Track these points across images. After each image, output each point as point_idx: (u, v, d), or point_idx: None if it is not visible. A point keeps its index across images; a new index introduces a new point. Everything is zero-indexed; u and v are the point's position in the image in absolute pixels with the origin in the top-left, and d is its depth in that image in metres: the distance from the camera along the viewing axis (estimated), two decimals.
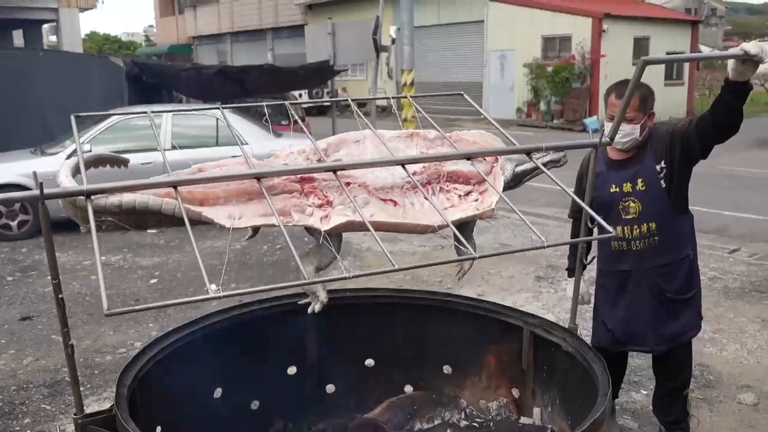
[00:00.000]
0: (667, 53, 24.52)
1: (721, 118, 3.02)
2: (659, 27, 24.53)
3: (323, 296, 2.53)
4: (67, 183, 2.20)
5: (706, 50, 44.16)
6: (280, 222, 2.12)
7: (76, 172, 2.31)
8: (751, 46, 2.58)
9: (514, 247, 8.18)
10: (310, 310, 2.57)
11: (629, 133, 3.23)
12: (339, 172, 2.26)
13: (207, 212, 2.26)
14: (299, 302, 2.53)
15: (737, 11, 77.84)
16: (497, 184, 2.54)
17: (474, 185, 2.59)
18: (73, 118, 2.38)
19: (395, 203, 2.48)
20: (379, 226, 2.38)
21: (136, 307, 1.86)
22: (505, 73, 24.94)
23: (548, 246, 2.16)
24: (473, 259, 2.13)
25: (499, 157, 2.63)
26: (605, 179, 3.38)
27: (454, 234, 2.26)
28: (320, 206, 2.39)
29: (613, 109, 3.23)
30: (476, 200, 2.55)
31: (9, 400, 4.53)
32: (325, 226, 2.34)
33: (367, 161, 2.39)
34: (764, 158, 15.15)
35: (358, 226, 2.35)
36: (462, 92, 2.95)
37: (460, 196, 2.56)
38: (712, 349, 5.14)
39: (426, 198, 2.41)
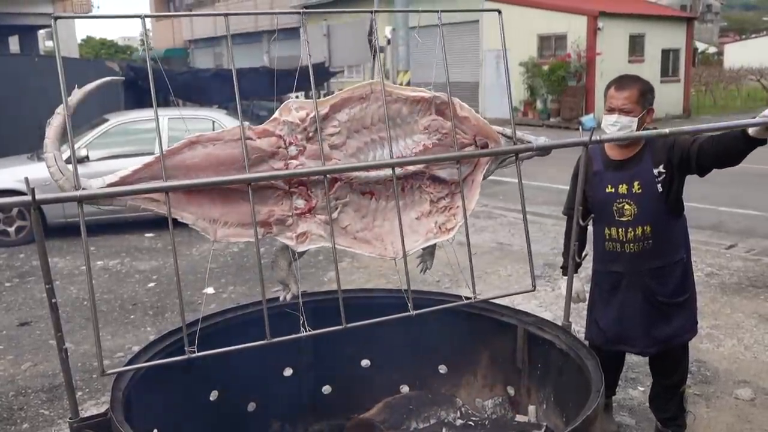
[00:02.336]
0: (663, 50, 24.61)
1: (728, 157, 3.09)
2: (654, 24, 24.55)
3: (294, 289, 2.71)
4: (55, 169, 2.08)
5: (701, 47, 44.20)
6: (258, 238, 2.30)
7: (62, 134, 2.16)
8: None
9: (512, 247, 8.21)
10: (281, 298, 2.73)
11: (626, 125, 3.22)
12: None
13: (194, 218, 2.30)
14: (273, 290, 2.63)
15: (733, 7, 77.89)
16: (473, 193, 2.64)
17: (451, 186, 2.64)
18: (54, 21, 2.12)
19: (372, 195, 2.56)
20: (350, 247, 2.58)
21: (133, 366, 2.05)
22: (501, 73, 24.90)
23: (478, 299, 2.75)
24: (409, 316, 2.55)
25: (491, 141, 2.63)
26: (602, 178, 3.37)
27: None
28: (301, 214, 2.44)
29: (611, 101, 3.27)
30: (446, 207, 2.64)
31: (7, 405, 4.54)
32: (299, 248, 2.49)
33: (359, 165, 2.42)
34: (761, 154, 15.13)
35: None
36: (499, 10, 2.69)
37: (432, 201, 2.62)
38: (709, 345, 5.15)
39: (407, 196, 2.48)
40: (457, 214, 2.65)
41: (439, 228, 2.64)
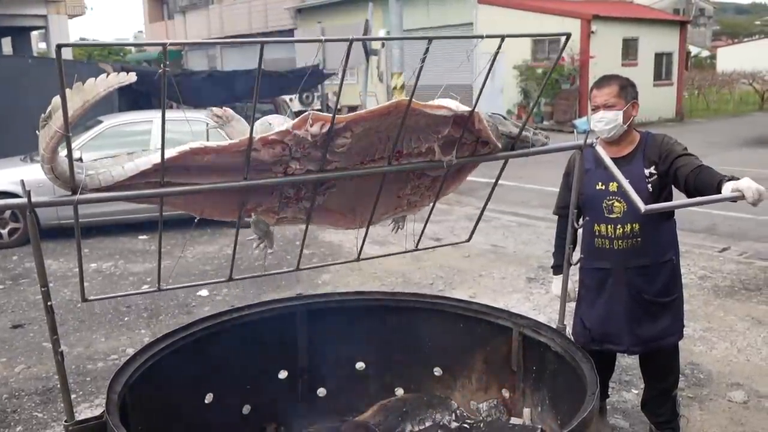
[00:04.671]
0: (656, 54, 24.72)
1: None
2: (648, 27, 24.65)
3: (269, 244, 2.80)
4: (51, 176, 2.02)
5: (694, 50, 44.37)
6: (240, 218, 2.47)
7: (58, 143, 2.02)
8: (750, 196, 2.81)
9: (505, 249, 8.22)
10: (255, 246, 2.77)
11: (612, 119, 3.30)
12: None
13: (185, 203, 2.35)
14: (248, 238, 2.69)
15: (726, 11, 78.32)
16: (456, 183, 2.82)
17: (433, 177, 2.74)
18: (57, 49, 1.83)
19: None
20: (322, 224, 2.79)
21: (113, 295, 2.04)
22: (495, 75, 24.97)
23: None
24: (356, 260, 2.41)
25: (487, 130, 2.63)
26: (592, 176, 3.42)
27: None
28: (288, 202, 2.53)
29: (595, 100, 3.37)
30: (426, 188, 2.79)
31: (1, 408, 4.52)
32: (276, 225, 2.67)
33: (352, 172, 2.43)
34: (753, 157, 15.24)
35: None
36: (569, 33, 2.63)
37: (414, 186, 2.73)
38: (702, 348, 5.17)
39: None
40: (432, 197, 2.77)
41: (409, 204, 2.73)
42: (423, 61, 2.17)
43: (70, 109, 1.88)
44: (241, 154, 2.22)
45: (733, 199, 2.92)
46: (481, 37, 2.25)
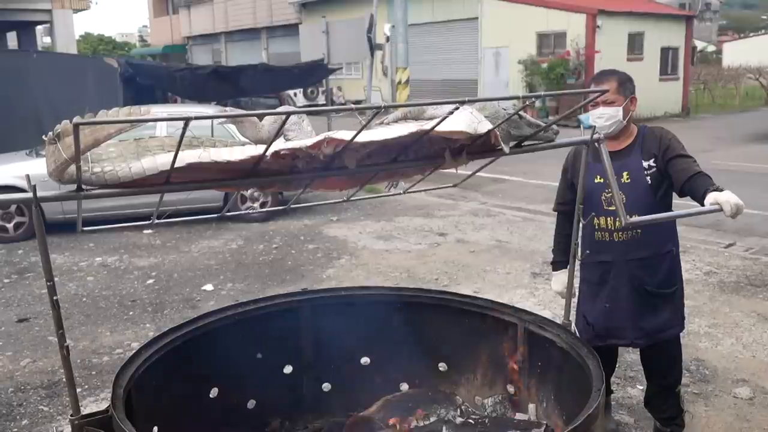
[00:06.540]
0: (662, 49, 24.66)
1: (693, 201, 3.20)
2: (653, 22, 24.56)
3: (267, 194, 2.82)
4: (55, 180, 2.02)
5: (700, 45, 44.26)
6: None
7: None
8: (728, 209, 2.86)
9: (510, 245, 8.21)
10: (249, 191, 2.76)
11: (612, 115, 3.32)
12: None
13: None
14: (244, 207, 2.69)
15: (731, 5, 77.93)
16: (452, 166, 2.75)
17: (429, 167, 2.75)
18: (74, 128, 1.76)
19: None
20: (319, 189, 2.79)
21: (107, 226, 2.26)
22: (500, 70, 24.95)
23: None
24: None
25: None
26: (591, 169, 3.40)
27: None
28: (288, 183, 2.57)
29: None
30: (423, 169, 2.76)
31: (7, 401, 4.54)
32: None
33: (352, 170, 2.42)
34: (759, 153, 15.16)
35: None
36: (607, 89, 2.91)
37: (406, 173, 2.75)
38: (707, 344, 5.16)
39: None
40: (418, 178, 2.81)
41: (404, 174, 2.75)
42: (451, 112, 2.21)
43: (82, 143, 1.87)
44: (252, 160, 2.23)
45: (713, 212, 2.93)
46: (518, 97, 2.34)
